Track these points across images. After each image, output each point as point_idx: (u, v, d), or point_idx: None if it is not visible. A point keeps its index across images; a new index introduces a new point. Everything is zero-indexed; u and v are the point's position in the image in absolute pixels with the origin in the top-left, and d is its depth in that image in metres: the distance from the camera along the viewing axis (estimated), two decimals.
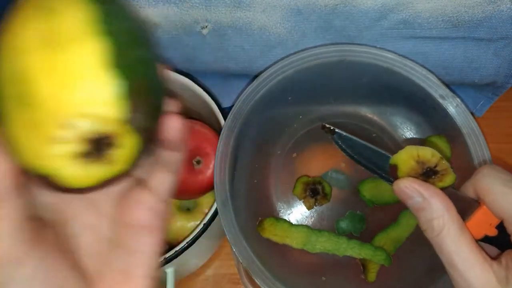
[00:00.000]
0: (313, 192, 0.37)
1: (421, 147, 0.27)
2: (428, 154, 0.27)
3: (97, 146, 0.18)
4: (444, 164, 0.27)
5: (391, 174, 0.28)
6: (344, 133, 0.29)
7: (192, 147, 0.37)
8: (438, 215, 0.24)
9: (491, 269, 0.22)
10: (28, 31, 0.17)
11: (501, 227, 0.24)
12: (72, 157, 0.18)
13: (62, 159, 0.17)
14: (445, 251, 0.23)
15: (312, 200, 0.37)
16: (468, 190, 0.26)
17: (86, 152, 0.18)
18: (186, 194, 0.38)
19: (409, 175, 0.27)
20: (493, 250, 0.25)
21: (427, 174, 0.27)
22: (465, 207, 0.25)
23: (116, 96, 0.17)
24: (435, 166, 0.27)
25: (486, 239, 0.25)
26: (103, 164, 0.18)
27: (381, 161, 0.28)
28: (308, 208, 0.37)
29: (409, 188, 0.25)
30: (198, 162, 0.38)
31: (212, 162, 0.37)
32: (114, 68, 0.17)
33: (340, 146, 0.29)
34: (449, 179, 0.27)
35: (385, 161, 0.28)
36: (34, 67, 0.17)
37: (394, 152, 0.28)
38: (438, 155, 0.27)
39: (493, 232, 0.24)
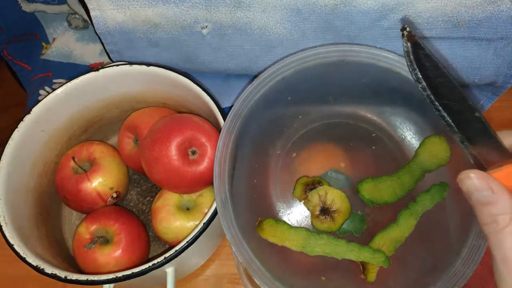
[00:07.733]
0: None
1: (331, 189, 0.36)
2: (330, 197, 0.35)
3: None
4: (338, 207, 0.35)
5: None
6: (427, 49, 0.22)
7: (188, 137, 0.37)
8: (505, 211, 0.24)
9: None
10: None
11: None
12: None
13: None
14: (505, 247, 0.23)
15: None
16: (506, 139, 0.26)
17: None
18: (181, 185, 0.38)
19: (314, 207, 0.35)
20: None
21: (324, 211, 0.35)
22: (496, 155, 0.25)
23: None
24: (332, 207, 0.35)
25: None
26: None
27: (458, 105, 0.23)
28: (309, 209, 0.37)
29: (480, 180, 0.25)
30: (194, 153, 0.37)
31: (208, 154, 0.37)
32: None
33: (410, 63, 0.22)
34: (341, 219, 0.35)
35: (465, 110, 0.23)
36: None
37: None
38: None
39: None
